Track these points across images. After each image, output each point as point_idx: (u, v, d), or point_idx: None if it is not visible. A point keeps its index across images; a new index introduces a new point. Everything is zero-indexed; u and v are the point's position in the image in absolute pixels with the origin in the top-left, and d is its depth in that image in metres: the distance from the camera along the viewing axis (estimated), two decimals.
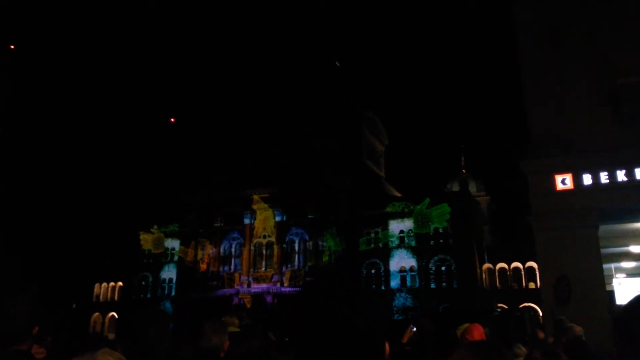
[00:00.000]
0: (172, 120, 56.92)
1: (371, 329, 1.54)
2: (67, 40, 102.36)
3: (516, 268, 48.41)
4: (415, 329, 7.10)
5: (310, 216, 50.77)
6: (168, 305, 54.13)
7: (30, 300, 2.90)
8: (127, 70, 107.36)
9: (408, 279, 49.63)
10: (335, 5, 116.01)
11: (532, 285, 45.73)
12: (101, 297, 60.23)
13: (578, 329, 7.04)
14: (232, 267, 53.80)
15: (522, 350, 7.45)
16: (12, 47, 42.53)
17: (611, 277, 13.55)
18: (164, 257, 58.58)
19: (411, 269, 49.67)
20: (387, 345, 1.56)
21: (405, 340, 5.94)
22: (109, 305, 58.59)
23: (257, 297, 49.70)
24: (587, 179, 12.06)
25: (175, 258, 57.31)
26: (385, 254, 49.81)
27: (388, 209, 50.54)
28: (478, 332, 5.26)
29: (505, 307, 44.59)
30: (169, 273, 57.95)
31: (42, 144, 78.40)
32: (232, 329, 4.59)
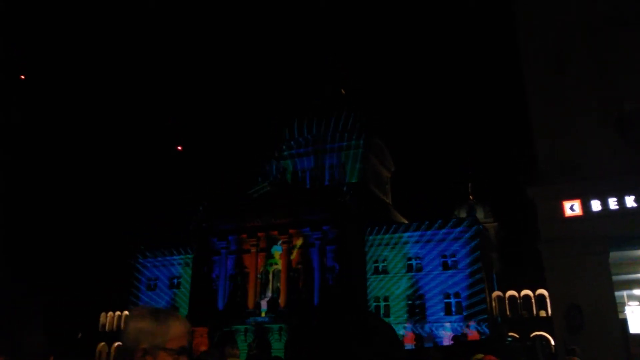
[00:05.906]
0: (179, 148, 57.26)
1: None
2: (71, 52, 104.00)
3: (526, 296, 47.70)
4: None
5: (315, 243, 50.39)
6: None
7: (42, 329, 2.90)
8: (128, 78, 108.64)
9: None
10: (339, 26, 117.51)
11: (543, 313, 44.95)
12: (107, 327, 59.77)
13: None
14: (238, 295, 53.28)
15: None
16: (23, 77, 43.28)
17: (623, 304, 13.27)
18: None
19: None
20: None
21: None
22: (114, 334, 58.10)
23: (264, 326, 49.03)
24: (595, 205, 11.91)
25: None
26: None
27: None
28: None
29: (517, 335, 43.75)
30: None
31: (46, 172, 79.00)
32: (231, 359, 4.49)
